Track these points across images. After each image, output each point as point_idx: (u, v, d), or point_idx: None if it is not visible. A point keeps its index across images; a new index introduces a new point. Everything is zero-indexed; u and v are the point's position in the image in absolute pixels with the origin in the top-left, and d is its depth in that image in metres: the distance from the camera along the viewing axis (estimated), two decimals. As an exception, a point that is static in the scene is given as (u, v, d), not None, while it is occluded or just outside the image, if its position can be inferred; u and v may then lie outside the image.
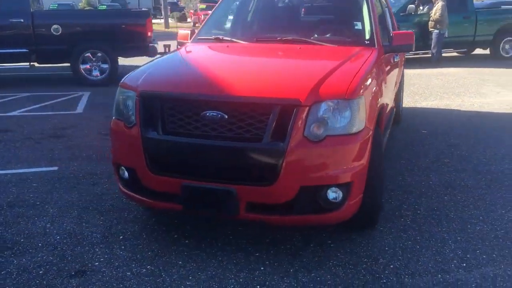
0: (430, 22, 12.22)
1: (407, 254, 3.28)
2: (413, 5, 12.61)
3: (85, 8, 9.42)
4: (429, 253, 3.29)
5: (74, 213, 3.94)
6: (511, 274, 3.04)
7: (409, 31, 4.15)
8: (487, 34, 12.95)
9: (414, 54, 12.23)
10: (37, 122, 6.96)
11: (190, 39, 4.57)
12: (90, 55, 9.72)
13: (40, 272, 3.10)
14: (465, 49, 13.78)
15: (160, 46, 10.54)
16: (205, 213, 3.29)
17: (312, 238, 3.46)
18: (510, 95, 8.59)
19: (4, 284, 2.97)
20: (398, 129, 6.27)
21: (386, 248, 3.36)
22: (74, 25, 9.61)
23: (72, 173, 4.84)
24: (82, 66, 9.73)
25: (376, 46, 3.96)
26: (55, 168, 5.00)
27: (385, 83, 3.93)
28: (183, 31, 4.81)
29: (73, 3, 25.05)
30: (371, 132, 3.14)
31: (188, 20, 42.05)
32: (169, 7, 39.34)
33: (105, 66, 9.84)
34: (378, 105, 3.42)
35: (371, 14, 4.24)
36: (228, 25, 4.73)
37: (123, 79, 3.52)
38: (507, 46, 13.21)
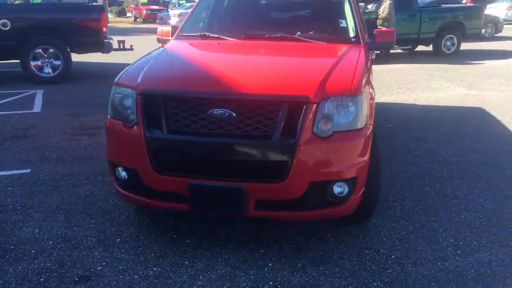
0: (378, 20, 12.61)
1: (404, 244, 3.41)
2: (362, 3, 12.97)
3: (16, 2, 8.82)
4: (425, 242, 3.44)
5: (60, 217, 3.79)
6: (504, 259, 3.23)
7: (391, 29, 4.28)
8: (431, 32, 13.56)
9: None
10: (-7, 122, 6.60)
11: (172, 36, 4.50)
12: (41, 51, 9.27)
13: (41, 279, 2.97)
14: (410, 46, 14.37)
15: (114, 41, 10.25)
16: (213, 212, 3.27)
17: (312, 233, 3.52)
18: (459, 89, 9.06)
19: (5, 294, 2.82)
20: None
21: (384, 239, 3.48)
22: (24, 20, 9.12)
23: (48, 175, 4.64)
24: (32, 63, 9.26)
25: (361, 44, 4.07)
26: (28, 170, 4.77)
27: (372, 79, 4.05)
28: (163, 27, 4.72)
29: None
30: (371, 128, 3.23)
31: (128, 14, 41.03)
32: (107, 1, 38.16)
33: (58, 62, 9.42)
34: (373, 101, 3.53)
35: (354, 11, 4.35)
36: (210, 21, 4.67)
37: (118, 78, 3.41)
38: (448, 43, 13.88)
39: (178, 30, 4.47)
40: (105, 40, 9.71)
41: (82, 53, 9.98)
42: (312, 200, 3.06)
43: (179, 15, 24.16)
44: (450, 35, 13.79)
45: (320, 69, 3.31)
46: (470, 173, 4.77)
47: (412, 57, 14.03)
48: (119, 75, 3.44)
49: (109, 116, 3.41)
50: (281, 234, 3.51)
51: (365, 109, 3.13)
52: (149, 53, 3.90)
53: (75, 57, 10.00)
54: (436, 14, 13.77)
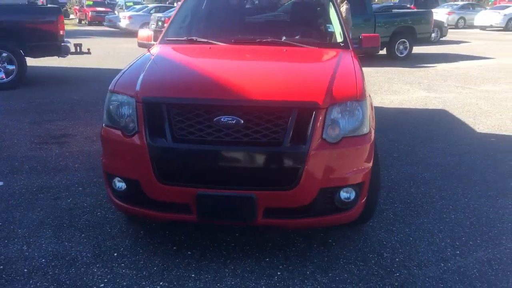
0: (335, 24, 12.83)
1: (405, 247, 3.45)
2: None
3: None
4: (424, 244, 3.50)
5: (48, 232, 3.58)
6: (501, 257, 3.34)
7: (375, 34, 4.33)
8: (384, 36, 13.92)
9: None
10: (-50, 132, 6.18)
11: (156, 40, 4.37)
12: (-7, 56, 8.80)
13: (41, 301, 2.78)
14: (364, 50, 14.70)
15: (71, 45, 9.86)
16: (221, 222, 3.18)
17: (313, 239, 3.50)
18: (420, 92, 9.35)
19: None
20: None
21: (385, 243, 3.51)
22: (-26, 22, 8.63)
23: (24, 188, 4.38)
24: (-17, 68, 8.76)
25: (350, 48, 4.10)
26: (0, 183, 4.48)
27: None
28: (144, 31, 4.58)
29: None
30: (373, 132, 3.26)
31: (72, 16, 39.71)
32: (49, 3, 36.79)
33: (12, 67, 8.94)
34: (372, 106, 3.56)
35: (339, 16, 4.38)
36: (194, 25, 4.56)
37: (112, 85, 3.25)
38: (401, 47, 14.33)
39: (162, 35, 4.34)
40: (62, 44, 9.32)
41: (38, 57, 9.54)
42: (320, 207, 3.04)
43: (130, 17, 23.60)
44: (402, 39, 14.23)
45: (323, 75, 3.30)
46: (449, 174, 4.91)
47: (368, 61, 14.34)
48: (114, 82, 3.28)
49: (104, 125, 3.26)
50: (283, 241, 3.47)
51: (369, 113, 3.15)
52: (138, 59, 3.75)
53: (29, 61, 9.53)
54: (390, 19, 14.19)
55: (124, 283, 2.96)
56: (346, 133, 3.01)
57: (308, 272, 3.12)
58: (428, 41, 15.59)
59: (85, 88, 9.39)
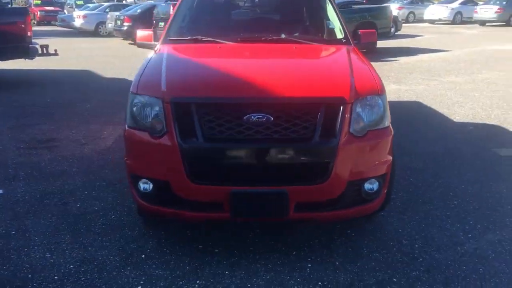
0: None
1: (420, 233, 3.61)
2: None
3: None
4: (436, 230, 3.67)
5: (66, 238, 3.51)
6: (510, 238, 3.55)
7: (372, 29, 4.48)
8: (348, 31, 14.23)
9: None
10: None
11: (157, 40, 4.35)
12: (-43, 59, 8.42)
13: (82, 307, 2.75)
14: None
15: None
16: (255, 219, 3.23)
17: (332, 231, 3.60)
18: (391, 85, 9.63)
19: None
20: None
21: (400, 231, 3.66)
22: None
23: (26, 195, 4.26)
24: None
25: (352, 44, 4.22)
26: (0, 191, 4.34)
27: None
28: (143, 31, 4.54)
29: None
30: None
31: (18, 17, 38.11)
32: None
33: (-23, 71, 8.60)
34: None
35: (338, 12, 4.49)
36: (194, 24, 4.55)
37: (134, 86, 3.22)
38: (361, 42, 14.66)
39: (163, 35, 4.32)
40: (30, 45, 9.02)
41: (5, 59, 9.19)
42: (348, 199, 3.14)
43: (84, 16, 22.98)
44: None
45: (341, 70, 3.40)
46: (440, 162, 5.14)
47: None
48: (135, 83, 3.25)
49: (127, 126, 3.23)
50: (304, 235, 3.55)
51: (388, 107, 3.28)
52: (149, 59, 3.72)
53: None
54: (352, 14, 14.50)
55: (161, 284, 2.97)
56: (370, 126, 3.12)
57: (337, 263, 3.21)
58: (387, 36, 16.05)
59: (55, 90, 9.15)
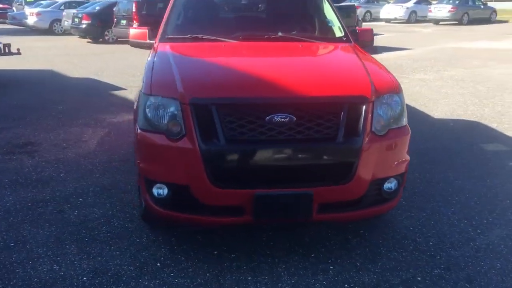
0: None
1: (431, 231, 3.62)
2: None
3: None
4: (446, 226, 3.70)
5: (71, 248, 3.32)
6: (514, 233, 3.62)
7: (369, 27, 4.47)
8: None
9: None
10: None
11: (152, 39, 4.19)
12: None
13: (106, 322, 2.59)
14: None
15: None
16: (278, 221, 3.14)
17: (344, 232, 3.55)
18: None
19: None
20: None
21: (411, 228, 3.66)
22: None
23: (17, 203, 4.01)
24: None
25: (352, 42, 4.20)
26: (-12, 200, 4.07)
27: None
28: (136, 30, 4.36)
29: None
30: (406, 123, 3.38)
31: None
32: None
33: None
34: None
35: (335, 11, 4.46)
36: (192, 23, 4.40)
37: (147, 87, 3.06)
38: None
39: (160, 33, 4.15)
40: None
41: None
42: (369, 198, 3.11)
43: (38, 14, 22.07)
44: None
45: (357, 69, 3.37)
46: (433, 159, 5.20)
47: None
48: (147, 84, 3.09)
49: (139, 129, 3.06)
50: (318, 236, 3.50)
51: (405, 105, 3.27)
52: (153, 59, 3.57)
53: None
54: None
55: (184, 293, 2.84)
56: (390, 125, 3.10)
57: (358, 264, 3.18)
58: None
59: (21, 91, 8.72)
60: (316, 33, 4.37)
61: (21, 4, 32.46)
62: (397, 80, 3.31)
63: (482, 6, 28.71)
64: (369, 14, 31.36)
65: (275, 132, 2.89)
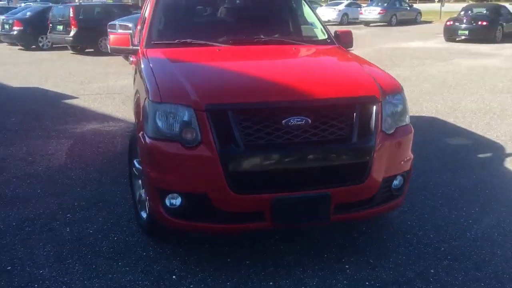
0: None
1: (427, 224, 3.75)
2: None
3: None
4: (439, 219, 3.84)
5: (76, 267, 3.15)
6: (504, 219, 3.81)
7: (348, 30, 4.57)
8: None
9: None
10: None
11: (138, 44, 4.06)
12: None
13: None
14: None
15: None
16: (297, 225, 3.13)
17: (347, 230, 3.60)
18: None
19: None
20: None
21: (409, 223, 3.78)
22: None
23: (6, 223, 3.75)
24: None
25: (336, 44, 4.28)
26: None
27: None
28: (117, 35, 4.19)
29: None
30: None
31: None
32: None
33: None
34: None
35: (316, 14, 4.53)
36: (176, 28, 4.29)
37: (156, 95, 2.93)
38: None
39: (145, 38, 4.01)
40: None
41: None
42: (380, 196, 3.18)
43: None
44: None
45: (358, 70, 3.44)
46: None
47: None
48: (155, 92, 2.97)
49: (149, 138, 2.95)
50: (322, 237, 3.53)
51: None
52: (149, 66, 3.44)
53: None
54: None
55: (211, 305, 2.77)
56: (397, 123, 3.19)
57: (371, 261, 3.24)
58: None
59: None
60: (301, 36, 4.41)
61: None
62: (397, 80, 3.40)
63: (408, 8, 30.13)
64: (302, 16, 31.97)
65: (291, 135, 2.89)
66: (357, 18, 29.07)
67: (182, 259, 3.24)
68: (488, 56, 13.97)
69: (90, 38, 15.12)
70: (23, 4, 25.53)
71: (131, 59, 4.66)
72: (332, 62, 3.85)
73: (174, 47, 3.89)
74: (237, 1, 4.62)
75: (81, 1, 18.86)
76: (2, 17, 18.55)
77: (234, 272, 3.08)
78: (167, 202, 2.97)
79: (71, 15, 14.98)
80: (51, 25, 15.97)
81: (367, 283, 2.99)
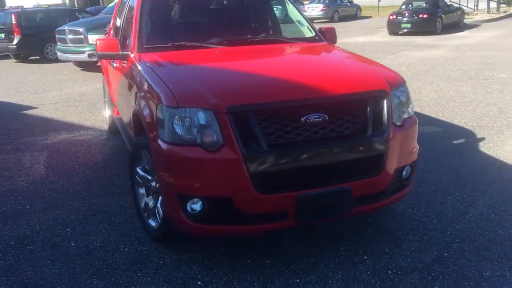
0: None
1: (427, 210, 3.88)
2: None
3: None
4: (438, 205, 3.98)
5: (94, 282, 3.04)
6: (496, 201, 4.01)
7: (331, 27, 4.64)
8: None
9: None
10: None
11: (123, 49, 3.96)
12: None
13: None
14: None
15: None
16: (320, 220, 3.15)
17: (355, 223, 3.69)
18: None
19: None
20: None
21: (410, 210, 3.90)
22: None
23: (3, 243, 3.57)
24: None
25: (325, 41, 4.35)
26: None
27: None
28: (105, 40, 4.06)
29: None
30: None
31: None
32: None
33: None
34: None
35: (301, 12, 4.59)
36: (166, 31, 4.20)
37: (172, 100, 2.86)
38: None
39: (135, 43, 3.91)
40: None
41: None
42: (392, 186, 3.27)
43: None
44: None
45: (362, 65, 3.53)
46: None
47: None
48: (168, 97, 2.90)
49: (167, 145, 2.89)
50: (332, 231, 3.58)
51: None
52: (151, 70, 3.38)
53: None
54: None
55: (245, 307, 2.75)
56: (404, 115, 3.29)
57: (386, 250, 3.33)
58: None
59: None
60: (292, 34, 4.45)
61: None
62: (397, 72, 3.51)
63: (348, 4, 30.90)
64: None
65: (310, 132, 2.92)
66: (301, 15, 29.47)
67: (202, 264, 3.19)
68: (433, 47, 14.58)
69: (35, 45, 14.50)
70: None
71: (119, 64, 4.49)
72: (336, 58, 3.91)
73: (168, 50, 3.83)
74: (225, 2, 4.59)
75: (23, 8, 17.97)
76: None
77: (258, 272, 3.08)
78: (188, 207, 2.92)
79: (14, 22, 14.30)
80: (-9, 32, 15.18)
81: (389, 271, 3.07)
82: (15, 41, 14.38)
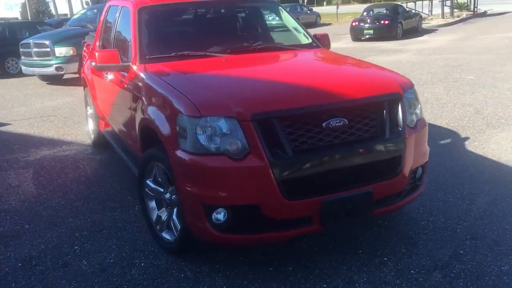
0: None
1: (433, 210, 3.97)
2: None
3: None
4: (441, 204, 4.08)
5: (117, 300, 2.94)
6: (495, 197, 4.13)
7: (325, 33, 4.71)
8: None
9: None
10: None
11: (131, 61, 3.88)
12: None
13: None
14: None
15: None
16: (344, 224, 3.16)
17: (368, 226, 3.73)
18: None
19: None
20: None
21: (416, 211, 3.97)
22: None
23: (11, 265, 3.41)
24: None
25: (322, 47, 4.41)
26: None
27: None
28: (104, 52, 3.97)
29: None
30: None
31: None
32: None
33: None
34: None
35: (295, 18, 4.63)
36: (166, 41, 4.14)
37: (194, 109, 2.82)
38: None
39: (136, 54, 3.84)
40: None
41: None
42: (408, 187, 3.33)
43: None
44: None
45: (375, 69, 3.60)
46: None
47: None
48: (189, 106, 2.87)
49: (190, 155, 2.85)
50: (350, 234, 3.61)
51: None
52: (162, 80, 3.34)
53: None
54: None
55: (280, 315, 2.73)
56: (415, 117, 3.36)
57: (404, 250, 3.38)
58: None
59: None
60: (292, 41, 4.49)
61: None
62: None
63: (308, 12, 31.45)
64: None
65: (331, 137, 2.95)
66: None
67: (224, 274, 3.15)
68: (398, 52, 14.99)
69: (-4, 60, 14.03)
70: None
71: (115, 76, 4.37)
72: (346, 63, 3.95)
73: (172, 60, 3.78)
74: (222, 11, 4.58)
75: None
76: None
77: (283, 279, 3.06)
78: (213, 217, 2.89)
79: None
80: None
81: (412, 271, 3.12)
82: (-25, 56, 13.87)
